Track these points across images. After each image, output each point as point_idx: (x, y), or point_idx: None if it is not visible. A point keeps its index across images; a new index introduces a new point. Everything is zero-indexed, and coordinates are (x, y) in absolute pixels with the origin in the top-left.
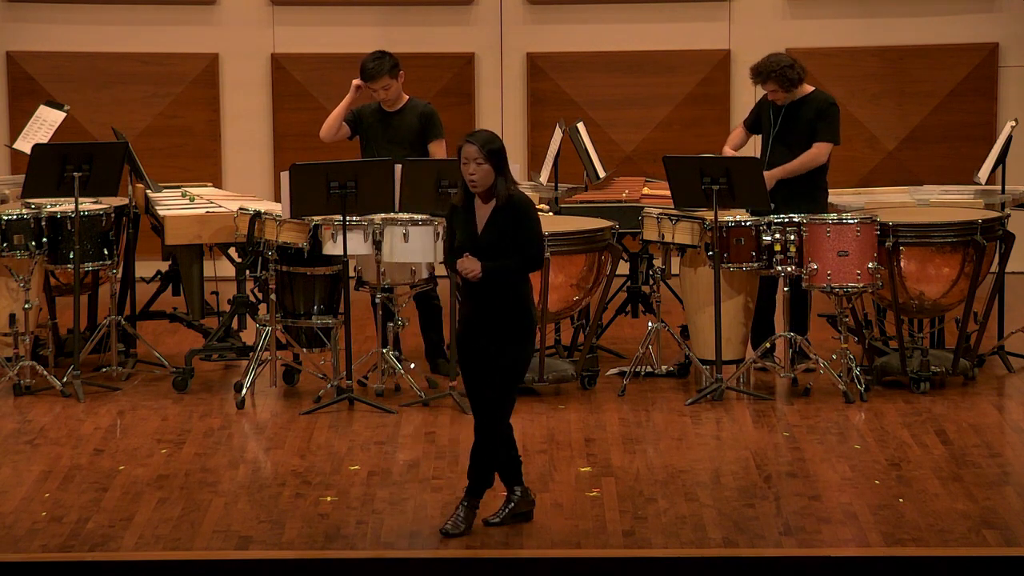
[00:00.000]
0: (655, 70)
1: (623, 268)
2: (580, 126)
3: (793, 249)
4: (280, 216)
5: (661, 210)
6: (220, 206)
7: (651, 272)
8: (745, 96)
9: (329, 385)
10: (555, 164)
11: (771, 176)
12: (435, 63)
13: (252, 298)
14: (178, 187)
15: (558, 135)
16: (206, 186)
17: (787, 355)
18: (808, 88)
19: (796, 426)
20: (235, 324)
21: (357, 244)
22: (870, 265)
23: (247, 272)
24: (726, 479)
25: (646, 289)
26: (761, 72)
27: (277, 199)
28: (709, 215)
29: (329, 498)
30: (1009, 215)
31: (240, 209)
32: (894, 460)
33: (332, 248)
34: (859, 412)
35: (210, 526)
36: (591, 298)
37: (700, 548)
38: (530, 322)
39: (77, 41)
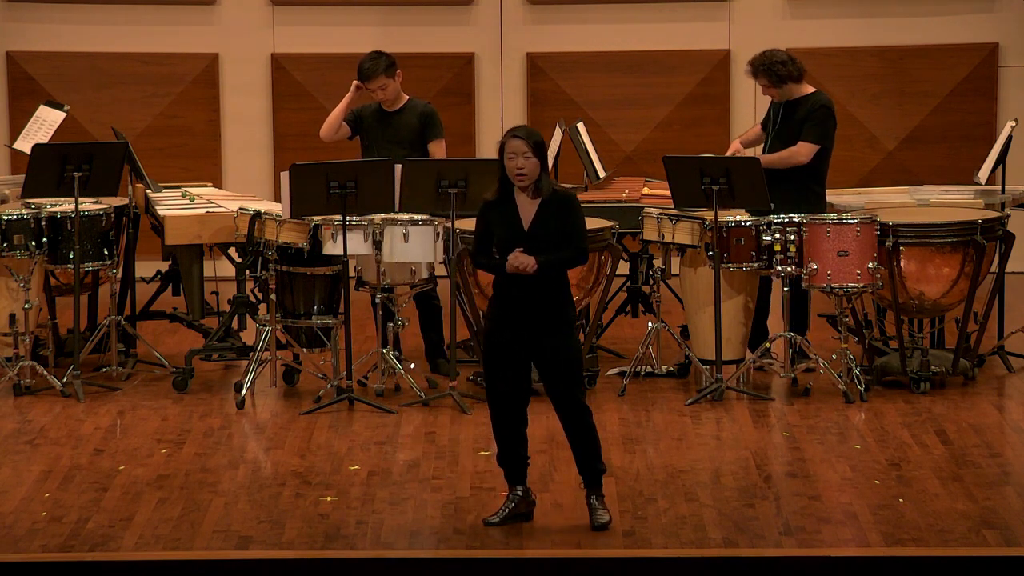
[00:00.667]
0: (655, 70)
1: (623, 268)
2: (580, 126)
3: (793, 249)
4: (280, 216)
5: (661, 210)
6: (220, 206)
7: (651, 272)
8: (745, 96)
9: (329, 385)
10: (555, 164)
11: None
12: (435, 63)
13: (252, 298)
14: (178, 187)
15: (558, 135)
16: (206, 186)
17: (787, 355)
18: (809, 89)
19: (796, 426)
20: (235, 324)
21: (357, 244)
22: (870, 265)
23: (247, 272)
24: (726, 479)
25: (646, 289)
26: (753, 65)
27: (277, 199)
28: (709, 215)
29: (329, 498)
30: (1009, 215)
31: (240, 209)
32: (894, 460)
33: (332, 248)
34: (859, 412)
35: (210, 526)
36: (591, 298)
37: (700, 548)
38: (574, 311)
39: (77, 41)
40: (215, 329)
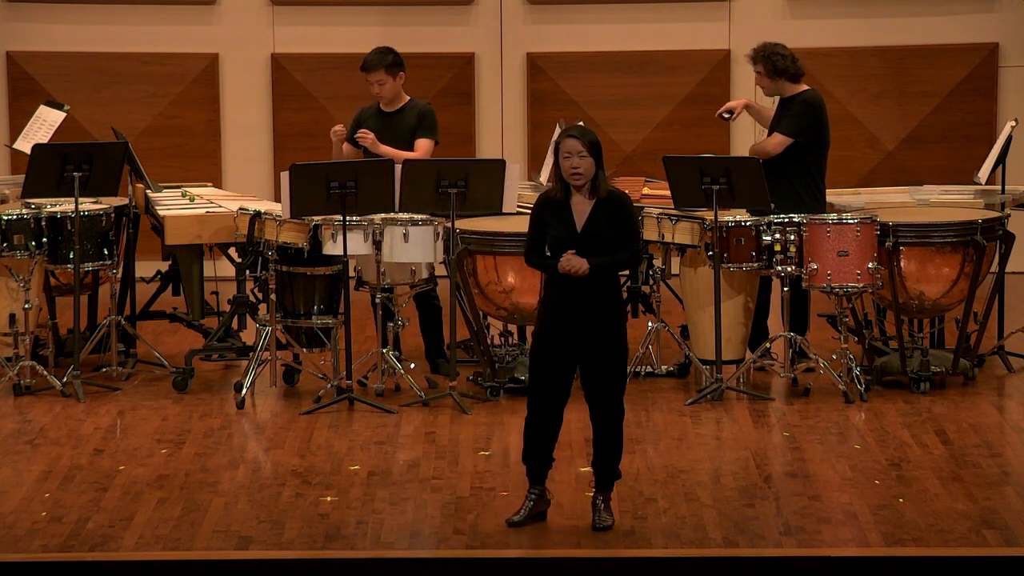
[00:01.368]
0: (655, 70)
1: None
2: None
3: (793, 249)
4: (280, 216)
5: (661, 210)
6: (220, 206)
7: (651, 272)
8: (745, 96)
9: (329, 385)
10: (555, 164)
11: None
12: (435, 63)
13: (252, 298)
14: (178, 187)
15: (558, 135)
16: (206, 186)
17: (787, 355)
18: (803, 88)
19: (796, 426)
20: (235, 324)
21: (357, 244)
22: (870, 265)
23: (247, 272)
24: (726, 479)
25: (646, 289)
26: (756, 51)
27: (277, 199)
28: (709, 215)
29: (329, 498)
30: (1009, 215)
31: (240, 209)
32: (894, 460)
33: (332, 248)
34: (859, 412)
35: (210, 526)
36: None
37: (700, 548)
38: (624, 311)
39: (77, 41)
40: (215, 329)
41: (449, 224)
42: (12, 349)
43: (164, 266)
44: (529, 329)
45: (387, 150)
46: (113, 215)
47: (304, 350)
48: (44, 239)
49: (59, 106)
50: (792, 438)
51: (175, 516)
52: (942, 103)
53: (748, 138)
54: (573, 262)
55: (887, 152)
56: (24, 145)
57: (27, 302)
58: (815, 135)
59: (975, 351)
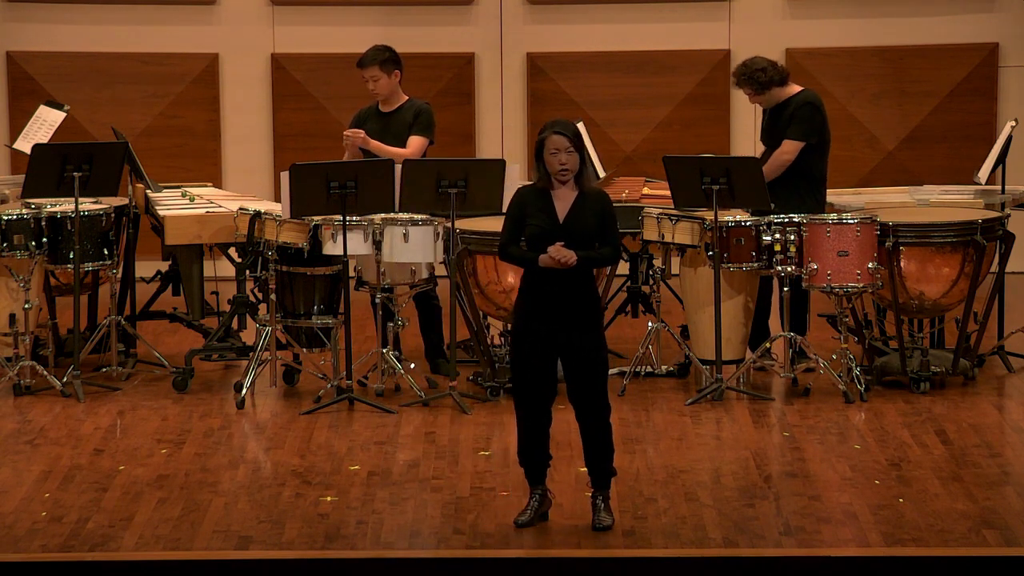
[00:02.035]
0: (655, 70)
1: (623, 268)
2: (580, 126)
3: (793, 249)
4: (280, 216)
5: (661, 210)
6: (220, 206)
7: (651, 272)
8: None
9: (329, 385)
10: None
11: None
12: (435, 63)
13: (252, 298)
14: (178, 187)
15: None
16: (206, 186)
17: (787, 355)
18: (795, 89)
19: (796, 426)
20: (235, 324)
21: (357, 244)
22: (870, 265)
23: (247, 272)
24: (726, 479)
25: (646, 289)
26: (736, 76)
27: (277, 199)
28: (709, 215)
29: (329, 498)
30: (1009, 215)
31: (240, 209)
32: (894, 460)
33: (332, 248)
34: (859, 412)
35: (210, 526)
36: None
37: (700, 548)
38: (602, 307)
39: (77, 41)
40: (215, 329)
41: (449, 224)
42: (12, 349)
43: (164, 266)
44: None
45: (377, 145)
46: (113, 215)
47: (304, 350)
48: (44, 239)
49: (59, 106)
50: (792, 438)
51: (175, 516)
52: (942, 103)
53: (748, 138)
54: (563, 253)
55: (887, 152)
56: (24, 145)
57: (27, 302)
58: (821, 135)
59: (975, 351)
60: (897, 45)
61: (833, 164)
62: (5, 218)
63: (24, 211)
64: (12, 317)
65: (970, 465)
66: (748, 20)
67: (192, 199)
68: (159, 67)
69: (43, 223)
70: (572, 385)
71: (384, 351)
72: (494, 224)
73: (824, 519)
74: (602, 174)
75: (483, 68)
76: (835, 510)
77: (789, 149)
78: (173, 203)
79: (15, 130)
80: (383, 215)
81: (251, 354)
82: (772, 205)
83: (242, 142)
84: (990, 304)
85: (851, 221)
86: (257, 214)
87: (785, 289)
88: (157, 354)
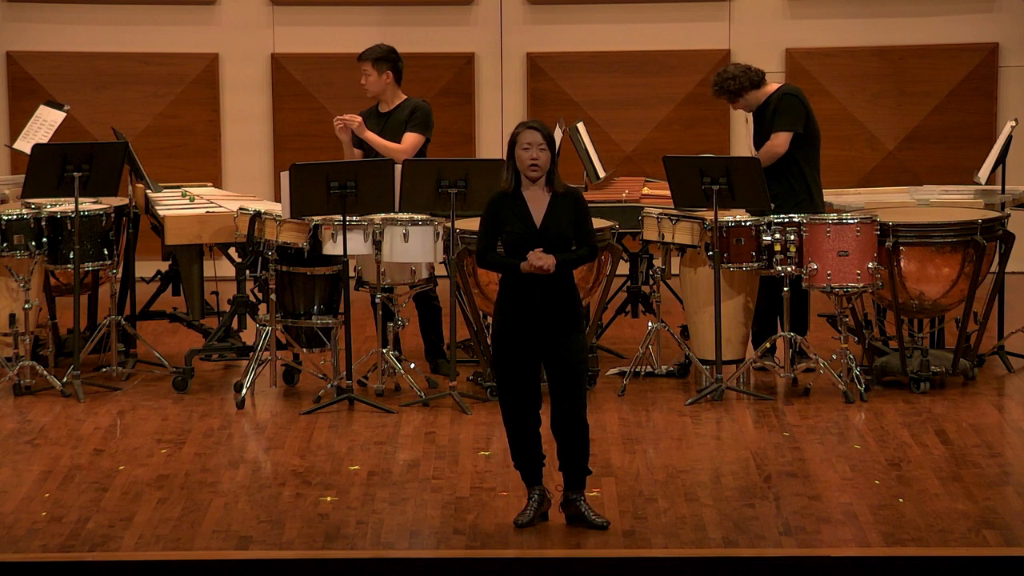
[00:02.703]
0: (655, 70)
1: (623, 268)
2: (580, 126)
3: (793, 249)
4: (280, 216)
5: (661, 210)
6: (220, 206)
7: (651, 272)
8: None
9: (329, 385)
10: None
11: None
12: (435, 63)
13: (252, 298)
14: (178, 187)
15: (558, 135)
16: (206, 186)
17: (787, 355)
18: (772, 87)
19: (796, 426)
20: (235, 324)
21: (357, 244)
22: (870, 265)
23: (247, 272)
24: (726, 479)
25: (646, 289)
26: (713, 89)
27: (277, 199)
28: (709, 215)
29: (329, 498)
30: (1009, 215)
31: (240, 209)
32: (894, 460)
33: (332, 248)
34: (859, 412)
35: (210, 526)
36: (591, 298)
37: (700, 548)
38: (583, 308)
39: (77, 41)
40: (215, 329)
41: (449, 224)
42: (12, 349)
43: (164, 266)
44: None
45: (372, 136)
46: (113, 215)
47: (304, 350)
48: (44, 239)
49: (59, 106)
50: (792, 438)
51: (175, 516)
52: (942, 103)
53: (748, 138)
54: (544, 259)
55: (887, 152)
56: (24, 145)
57: (27, 302)
58: (807, 123)
59: (975, 351)
60: (897, 45)
61: (833, 164)
62: (5, 218)
63: (24, 211)
64: (12, 317)
65: (970, 465)
66: (748, 20)
67: (192, 199)
68: (159, 67)
69: (43, 223)
70: (555, 385)
71: (384, 351)
72: None
73: (824, 519)
74: (602, 174)
75: (483, 68)
76: (835, 510)
77: (780, 141)
78: (173, 203)
79: (15, 130)
80: (383, 215)
81: (251, 354)
82: (772, 205)
83: (242, 142)
84: (990, 304)
85: (851, 221)
86: (257, 214)
87: (785, 289)
88: (157, 354)
